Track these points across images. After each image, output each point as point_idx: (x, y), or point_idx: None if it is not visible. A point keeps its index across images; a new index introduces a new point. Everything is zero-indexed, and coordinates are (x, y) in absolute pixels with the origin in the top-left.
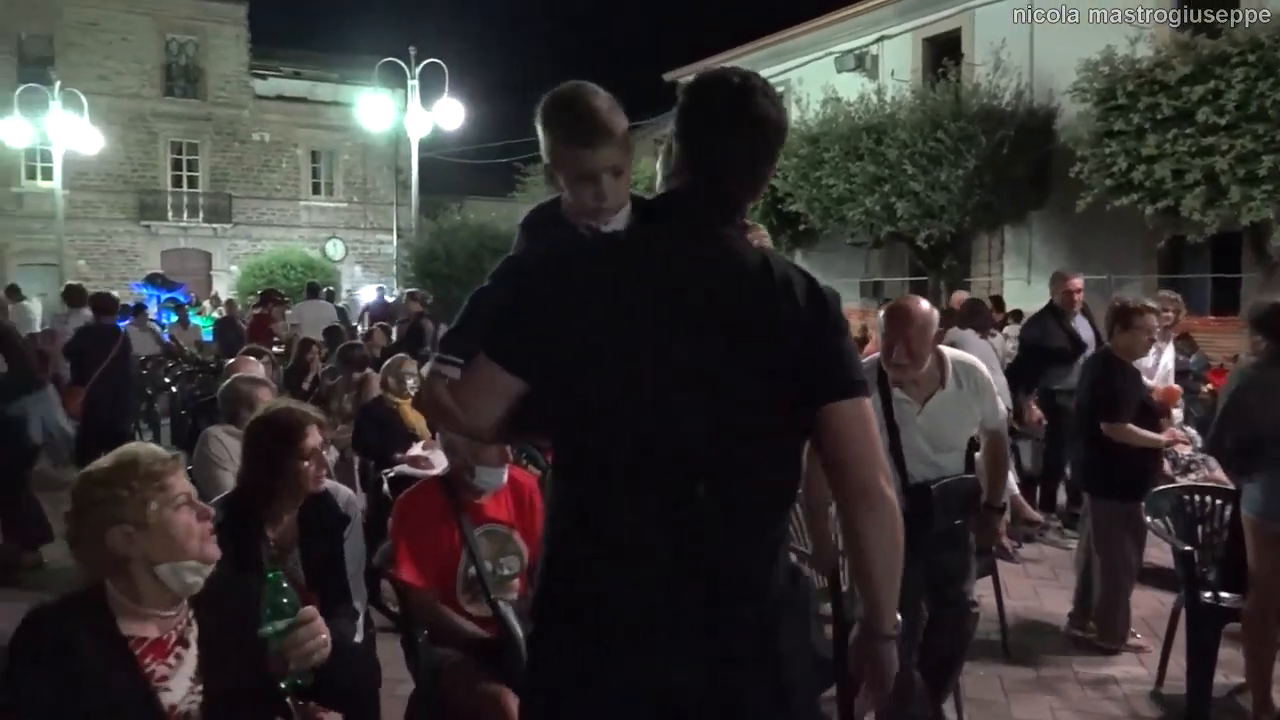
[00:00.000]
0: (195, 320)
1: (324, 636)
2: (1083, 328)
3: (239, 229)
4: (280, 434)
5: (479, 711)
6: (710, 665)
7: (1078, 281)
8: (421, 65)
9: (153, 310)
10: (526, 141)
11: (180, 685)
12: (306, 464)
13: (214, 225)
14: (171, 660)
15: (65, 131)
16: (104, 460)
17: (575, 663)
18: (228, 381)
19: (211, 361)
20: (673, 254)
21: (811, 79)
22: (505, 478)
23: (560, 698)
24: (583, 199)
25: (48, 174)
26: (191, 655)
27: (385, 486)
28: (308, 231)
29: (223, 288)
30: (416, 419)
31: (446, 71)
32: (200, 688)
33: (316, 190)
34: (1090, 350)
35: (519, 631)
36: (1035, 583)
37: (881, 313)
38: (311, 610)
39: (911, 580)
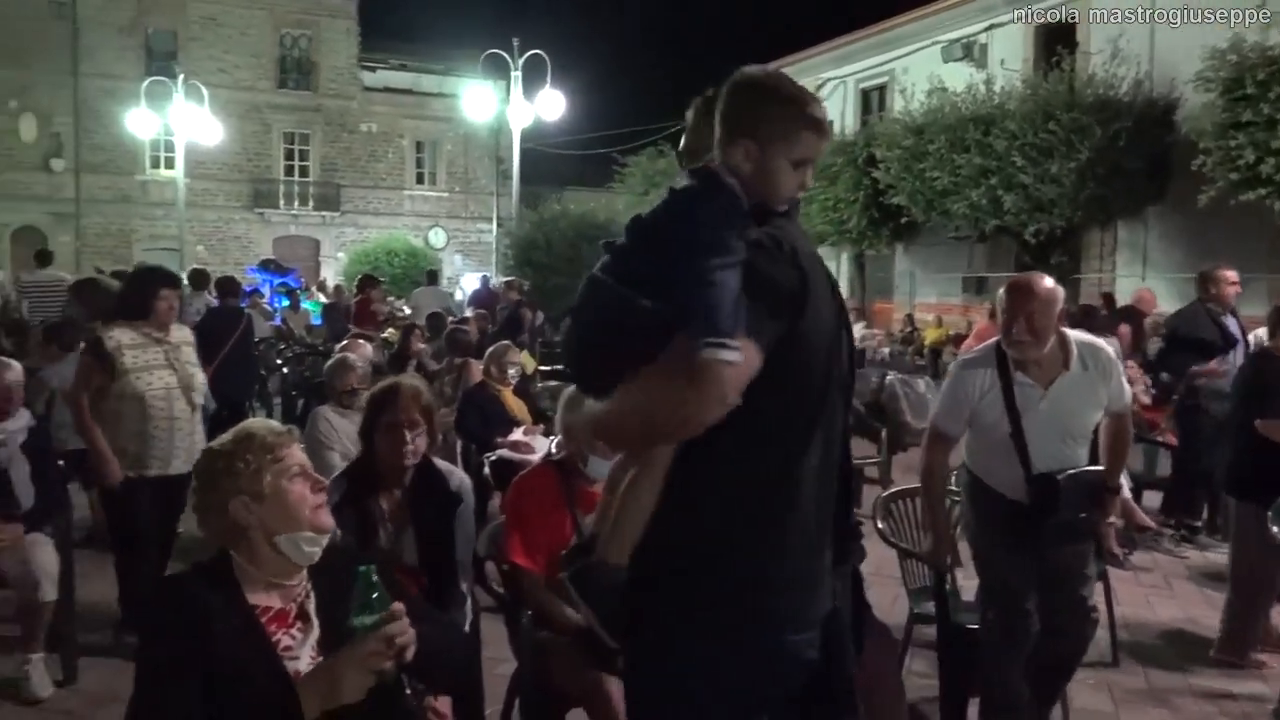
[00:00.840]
0: (305, 305)
1: (411, 634)
2: (1232, 325)
3: (346, 217)
4: (380, 403)
5: (582, 697)
6: (827, 623)
7: (1234, 275)
8: (524, 56)
9: (266, 294)
10: (626, 132)
11: (305, 656)
12: (390, 434)
13: (323, 213)
14: (295, 632)
15: (187, 122)
16: (226, 435)
17: (735, 632)
18: (330, 362)
19: (320, 345)
20: (802, 237)
21: (917, 69)
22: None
23: (716, 668)
24: (788, 183)
25: (170, 163)
26: (314, 628)
27: (486, 470)
28: (411, 220)
29: (330, 274)
30: (517, 404)
31: (548, 62)
32: (323, 660)
33: (420, 180)
34: (1240, 348)
35: None
36: (1147, 591)
37: (1001, 290)
38: (400, 608)
39: (1020, 572)
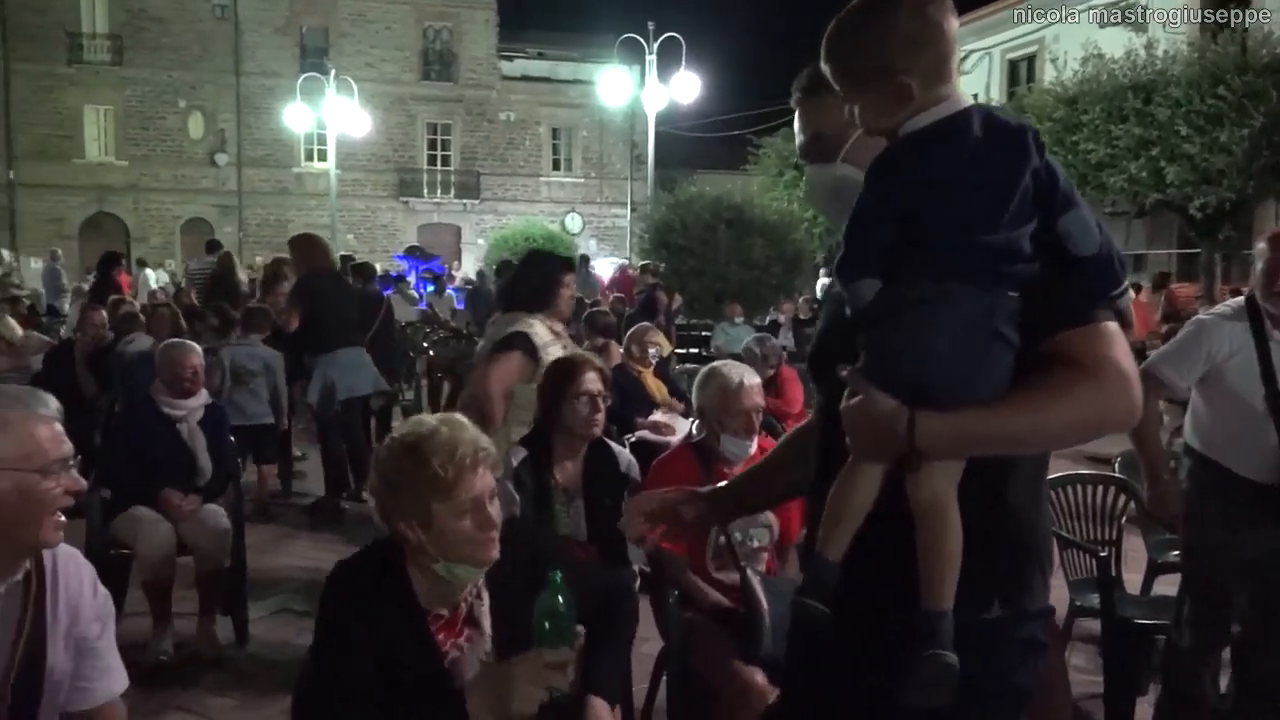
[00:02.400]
0: (449, 290)
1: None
2: None
3: (486, 204)
4: (558, 375)
5: (722, 680)
6: None
7: None
8: (660, 40)
9: (411, 280)
10: (760, 113)
11: (473, 668)
12: (581, 404)
13: (464, 201)
14: (463, 642)
15: (338, 116)
16: (406, 436)
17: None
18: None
19: (463, 328)
20: None
21: (1069, 36)
22: (753, 449)
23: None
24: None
25: (322, 155)
26: (484, 637)
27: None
28: (548, 206)
29: (470, 260)
30: (657, 385)
31: (684, 45)
32: (496, 665)
33: (556, 166)
34: None
35: (764, 603)
36: None
37: (1261, 242)
38: (583, 637)
39: (1249, 570)
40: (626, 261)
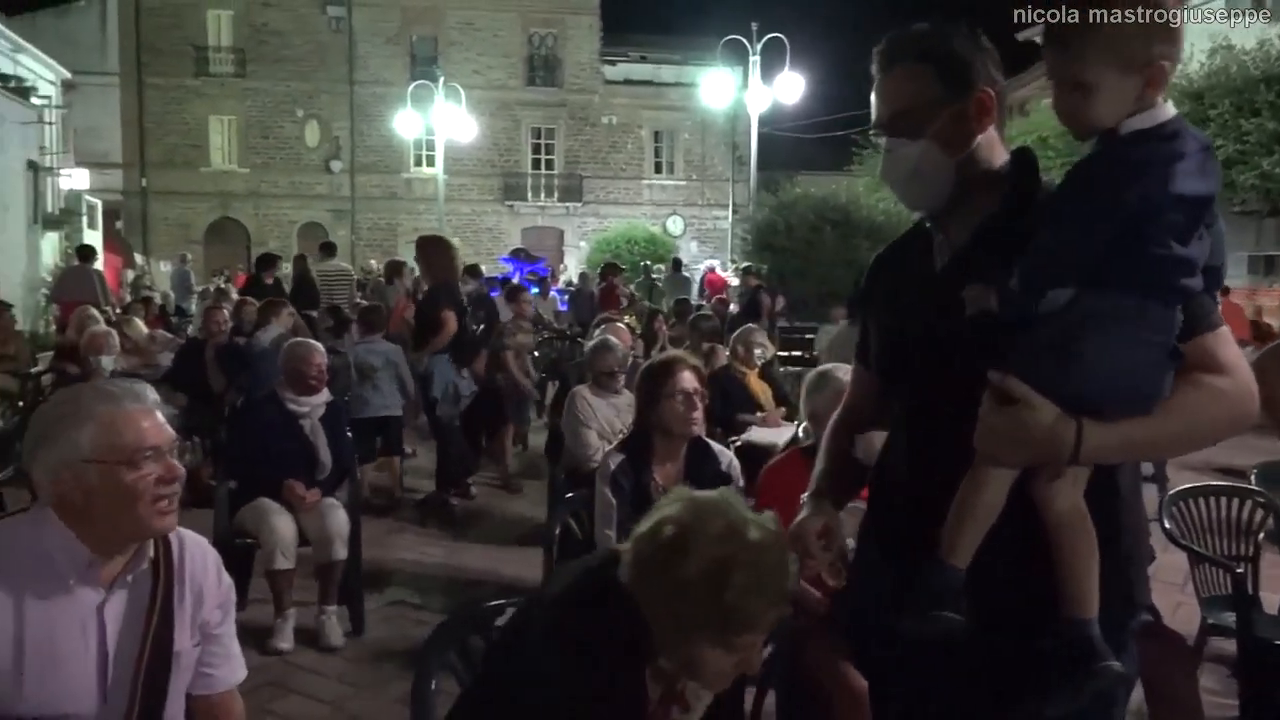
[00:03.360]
0: (553, 292)
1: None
2: None
3: (588, 207)
4: (654, 375)
5: (830, 685)
6: None
7: None
8: (763, 40)
9: (515, 281)
10: (864, 113)
11: None
12: (676, 403)
13: (567, 204)
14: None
15: (446, 122)
16: (726, 544)
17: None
18: (591, 344)
19: (567, 329)
20: None
21: (1195, 26)
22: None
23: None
24: None
25: (431, 161)
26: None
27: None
28: (649, 209)
29: (573, 262)
30: (761, 388)
31: (788, 45)
32: None
33: (658, 169)
34: None
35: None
36: None
37: None
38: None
39: None
40: (716, 263)
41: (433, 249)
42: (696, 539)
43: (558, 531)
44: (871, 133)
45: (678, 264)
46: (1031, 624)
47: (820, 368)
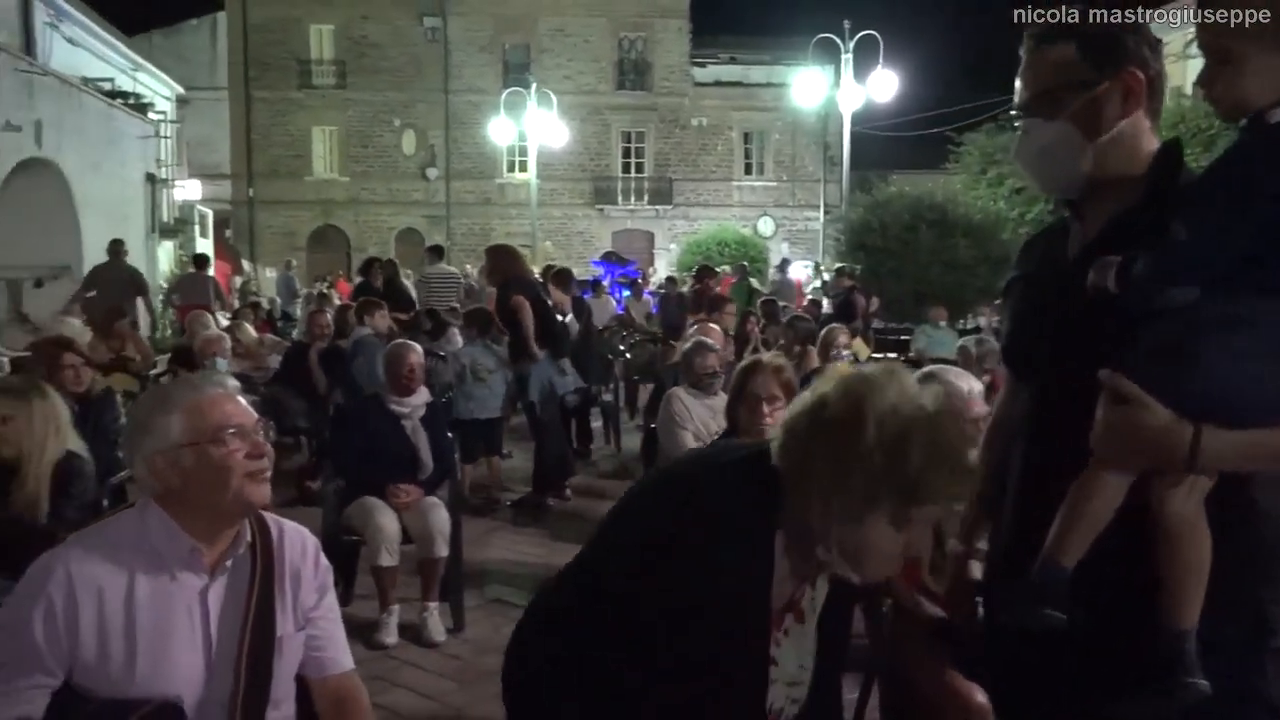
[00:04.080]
0: (645, 294)
1: None
2: None
3: (678, 209)
4: (738, 377)
5: (937, 693)
6: None
7: None
8: (856, 38)
9: (607, 285)
10: (960, 110)
11: (786, 666)
12: (760, 404)
13: (656, 207)
14: (780, 634)
15: (539, 128)
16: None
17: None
18: (687, 346)
19: (659, 331)
20: None
21: None
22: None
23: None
24: None
25: (523, 166)
26: (804, 631)
27: None
28: (739, 210)
29: (663, 265)
30: None
31: (881, 42)
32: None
33: (748, 170)
34: None
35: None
36: None
37: None
38: None
39: None
40: (819, 264)
41: (496, 254)
42: (871, 408)
43: None
44: (1012, 114)
45: (784, 265)
46: (1133, 630)
47: (927, 369)
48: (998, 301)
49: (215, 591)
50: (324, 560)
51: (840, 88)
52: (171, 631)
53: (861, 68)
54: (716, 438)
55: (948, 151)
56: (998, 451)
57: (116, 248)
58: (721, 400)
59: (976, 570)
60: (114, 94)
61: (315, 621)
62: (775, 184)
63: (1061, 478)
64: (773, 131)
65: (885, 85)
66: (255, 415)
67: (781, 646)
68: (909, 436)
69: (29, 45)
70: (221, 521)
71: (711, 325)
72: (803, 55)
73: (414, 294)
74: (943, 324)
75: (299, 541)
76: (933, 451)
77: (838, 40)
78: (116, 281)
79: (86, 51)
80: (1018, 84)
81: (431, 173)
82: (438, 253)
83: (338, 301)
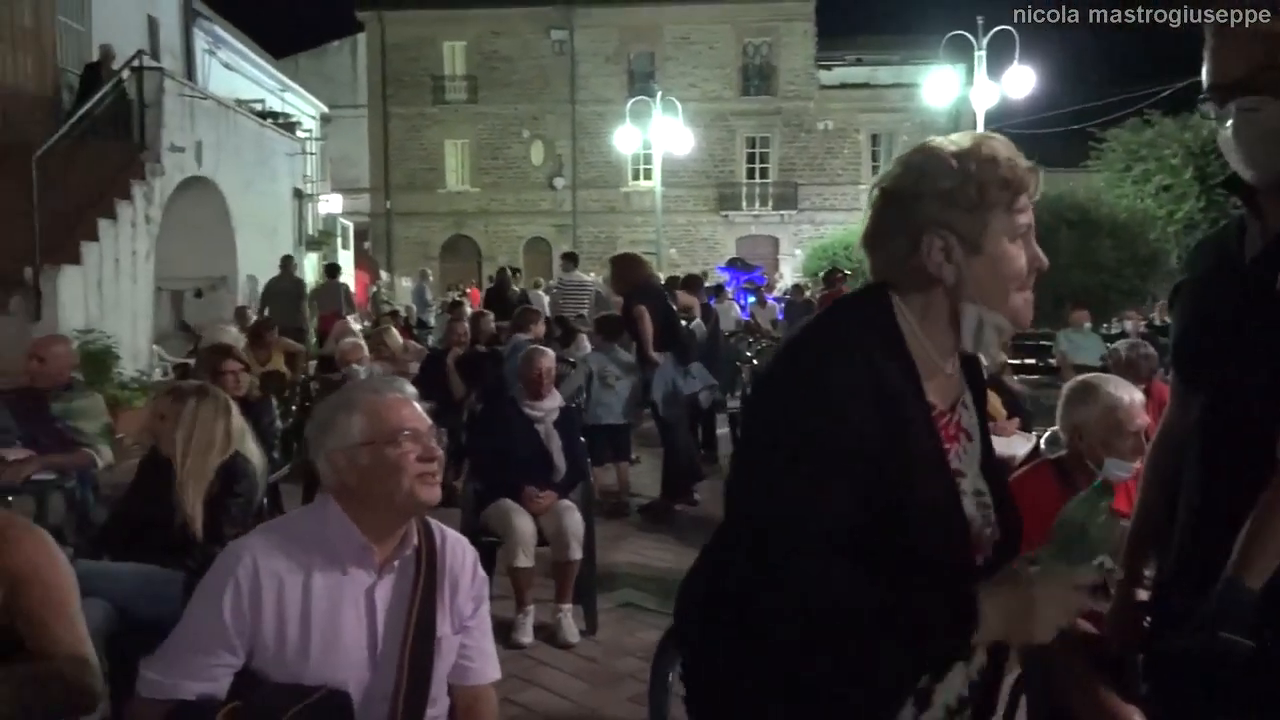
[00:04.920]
0: (770, 300)
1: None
2: None
3: (803, 214)
4: None
5: (1086, 711)
6: None
7: None
8: (990, 34)
9: (731, 291)
10: (1102, 104)
11: (969, 475)
12: None
13: (781, 212)
14: (960, 451)
15: (664, 136)
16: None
17: None
18: None
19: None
20: None
21: None
22: (1134, 471)
23: None
24: None
25: (648, 174)
26: (970, 453)
27: None
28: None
29: (787, 270)
30: (989, 396)
31: (1016, 38)
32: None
33: (876, 173)
34: None
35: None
36: None
37: None
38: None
39: None
40: None
41: (620, 263)
42: (932, 144)
43: None
44: (1209, 94)
45: None
46: None
47: (1083, 377)
48: (1161, 302)
49: (382, 590)
50: (481, 572)
51: (973, 85)
52: (341, 623)
53: (995, 64)
54: None
55: (1088, 148)
56: (1164, 466)
57: (286, 262)
58: None
59: (1142, 592)
60: (265, 114)
61: (469, 631)
62: None
63: (1241, 490)
64: (901, 133)
65: (1022, 81)
66: (429, 421)
67: (961, 460)
68: (980, 141)
69: (190, 71)
70: (393, 520)
71: None
72: (931, 54)
73: (545, 301)
74: (1086, 326)
75: (460, 551)
76: (1001, 146)
77: (970, 37)
78: (286, 293)
79: (240, 75)
80: (1214, 63)
81: (559, 182)
82: (573, 260)
83: (469, 310)
